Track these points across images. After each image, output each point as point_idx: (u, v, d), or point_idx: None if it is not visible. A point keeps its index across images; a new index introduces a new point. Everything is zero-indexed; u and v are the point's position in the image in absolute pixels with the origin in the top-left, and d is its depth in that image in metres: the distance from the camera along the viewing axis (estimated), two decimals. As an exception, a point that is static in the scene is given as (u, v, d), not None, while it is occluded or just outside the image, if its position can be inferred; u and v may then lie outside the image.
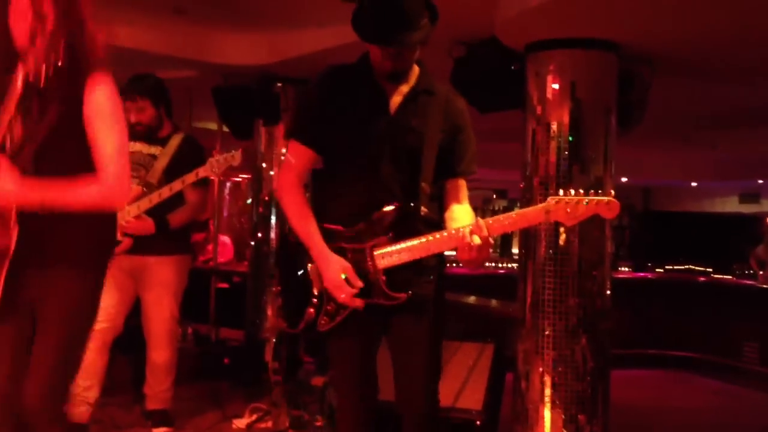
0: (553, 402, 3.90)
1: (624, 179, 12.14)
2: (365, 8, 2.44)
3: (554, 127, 4.06)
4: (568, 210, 2.28)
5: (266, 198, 6.32)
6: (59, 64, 2.23)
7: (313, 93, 2.60)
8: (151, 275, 3.98)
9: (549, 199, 2.30)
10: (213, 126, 7.72)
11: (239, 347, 6.15)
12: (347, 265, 2.46)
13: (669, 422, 5.64)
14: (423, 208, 2.46)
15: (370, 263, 2.46)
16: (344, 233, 2.49)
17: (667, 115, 6.68)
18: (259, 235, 6.36)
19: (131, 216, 3.82)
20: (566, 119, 4.04)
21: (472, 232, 2.33)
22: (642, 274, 9.00)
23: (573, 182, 3.93)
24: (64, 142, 2.28)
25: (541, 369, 3.96)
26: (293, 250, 2.59)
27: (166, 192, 3.82)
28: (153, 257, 3.96)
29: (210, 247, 7.94)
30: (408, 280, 2.47)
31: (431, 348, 2.56)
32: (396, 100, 2.52)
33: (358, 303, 2.46)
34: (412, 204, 2.46)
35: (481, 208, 13.59)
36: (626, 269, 9.32)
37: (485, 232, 2.33)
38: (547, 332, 3.95)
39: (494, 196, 14.12)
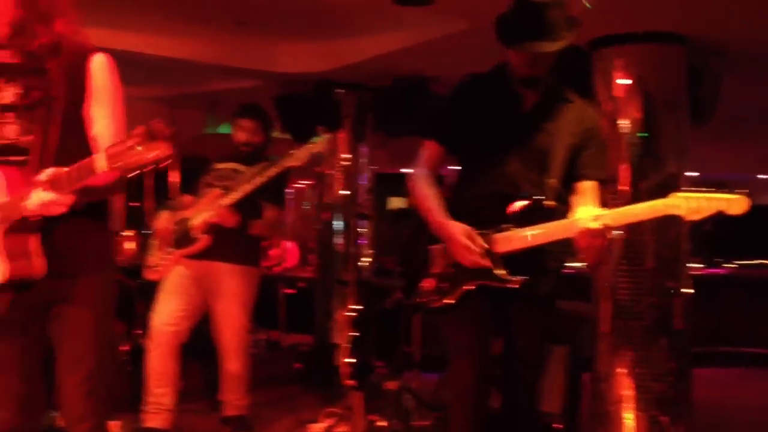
0: (634, 404, 3.84)
1: (696, 173, 11.88)
2: (511, 15, 2.61)
3: (624, 123, 3.99)
4: (694, 205, 2.27)
5: (329, 203, 6.38)
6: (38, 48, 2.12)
7: (450, 97, 2.82)
8: (219, 284, 3.99)
9: (674, 193, 2.32)
10: (274, 134, 7.81)
11: (310, 352, 6.21)
12: (467, 228, 2.57)
13: (752, 420, 5.48)
14: (549, 201, 2.57)
15: (490, 246, 2.56)
16: (471, 223, 2.60)
17: (740, 107, 6.51)
18: (324, 240, 6.42)
19: (212, 213, 3.80)
20: (636, 115, 3.97)
21: (592, 219, 2.39)
22: (715, 270, 8.76)
23: (647, 179, 3.85)
24: (71, 133, 2.20)
25: (620, 370, 3.89)
26: (417, 230, 2.80)
27: (253, 180, 3.77)
28: (221, 264, 3.96)
29: (273, 252, 8.03)
30: (527, 272, 2.54)
31: (536, 345, 2.68)
32: (530, 102, 2.67)
33: (486, 262, 2.54)
34: (538, 197, 2.56)
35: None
36: (698, 265, 9.08)
37: (606, 221, 2.38)
38: (624, 333, 3.88)
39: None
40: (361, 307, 4.94)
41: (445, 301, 2.63)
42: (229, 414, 4.18)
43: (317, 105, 6.20)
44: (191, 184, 4.20)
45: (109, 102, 2.23)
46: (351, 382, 4.66)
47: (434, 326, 2.82)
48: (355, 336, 4.85)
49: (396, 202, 10.68)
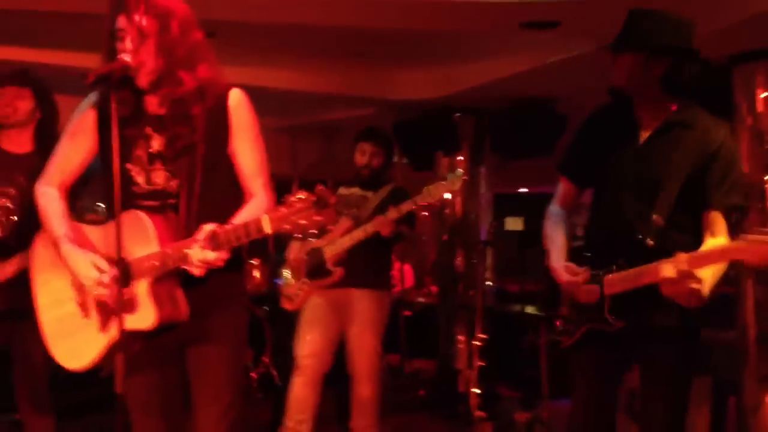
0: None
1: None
2: None
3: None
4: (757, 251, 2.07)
5: (449, 225, 6.36)
6: (183, 94, 2.17)
7: (579, 129, 2.75)
8: (353, 309, 4.04)
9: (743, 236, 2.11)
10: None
11: (433, 378, 6.16)
12: (570, 271, 2.52)
13: None
14: (649, 240, 2.39)
15: (602, 287, 2.46)
16: (589, 259, 2.54)
17: None
18: (444, 262, 6.38)
19: (344, 247, 3.89)
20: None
21: (670, 265, 2.22)
22: None
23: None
24: (215, 175, 2.25)
25: (769, 402, 3.66)
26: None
27: (383, 221, 3.80)
28: (354, 290, 4.01)
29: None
30: (636, 308, 2.41)
31: (671, 379, 2.49)
32: (647, 131, 2.51)
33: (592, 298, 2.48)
34: (641, 236, 2.42)
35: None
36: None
37: (684, 266, 2.19)
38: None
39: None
40: (487, 336, 4.87)
41: (569, 342, 2.58)
42: None
43: (435, 130, 6.22)
44: None
45: (250, 136, 2.27)
46: (481, 413, 4.59)
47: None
48: (483, 365, 4.78)
49: (513, 223, 10.54)
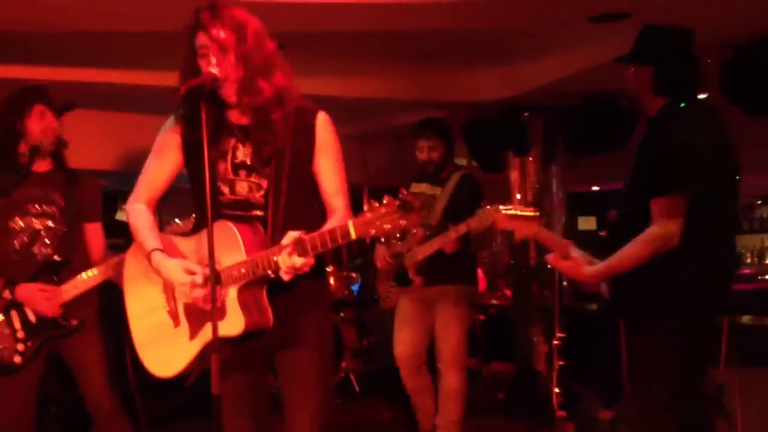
0: None
1: None
2: None
3: None
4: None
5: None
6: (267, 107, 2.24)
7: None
8: (441, 303, 4.18)
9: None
10: (462, 161, 7.86)
11: (512, 380, 6.11)
12: None
13: None
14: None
15: None
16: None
17: None
18: (519, 264, 6.33)
19: (418, 258, 4.06)
20: None
21: None
22: None
23: None
24: (298, 187, 2.31)
25: None
26: None
27: (444, 241, 3.96)
28: (440, 287, 4.16)
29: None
30: None
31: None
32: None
33: None
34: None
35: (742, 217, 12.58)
36: None
37: None
38: None
39: (758, 203, 12.95)
40: (565, 334, 4.80)
41: None
42: None
43: (504, 130, 6.18)
44: None
45: (334, 156, 2.35)
46: (561, 413, 4.53)
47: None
48: (562, 364, 4.72)
49: (586, 223, 10.36)
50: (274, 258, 2.12)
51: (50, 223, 3.19)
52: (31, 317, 3.11)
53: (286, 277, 2.13)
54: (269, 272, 2.15)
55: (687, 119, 2.61)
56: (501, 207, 3.28)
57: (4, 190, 3.15)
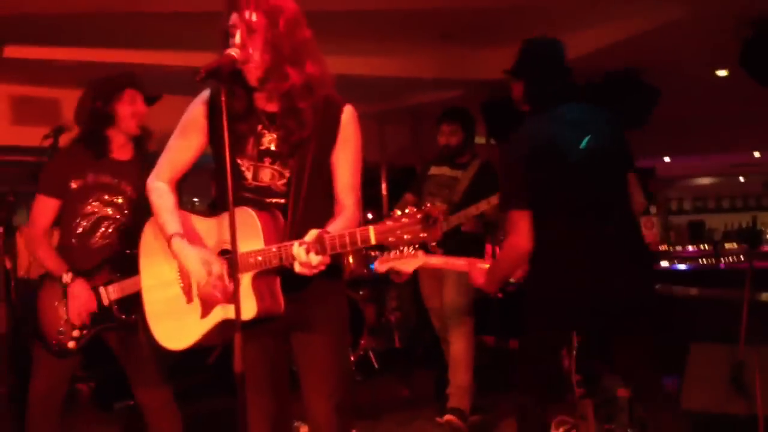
0: None
1: None
2: None
3: None
4: None
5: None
6: (295, 98, 2.23)
7: None
8: (448, 277, 4.36)
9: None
10: (481, 140, 7.84)
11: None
12: None
13: None
14: None
15: None
16: None
17: None
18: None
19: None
20: None
21: None
22: None
23: None
24: (319, 178, 2.31)
25: None
26: None
27: (471, 211, 4.20)
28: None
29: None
30: None
31: None
32: None
33: None
34: None
35: (761, 194, 12.49)
36: None
37: None
38: None
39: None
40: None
41: None
42: (452, 406, 4.33)
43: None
44: (399, 196, 4.74)
45: (354, 151, 2.35)
46: (580, 390, 4.54)
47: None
48: (581, 342, 4.73)
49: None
50: (293, 251, 2.12)
51: (114, 214, 3.16)
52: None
53: (305, 271, 2.13)
54: (285, 264, 2.16)
55: (520, 133, 2.80)
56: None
57: (81, 172, 3.12)
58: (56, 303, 3.11)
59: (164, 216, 2.36)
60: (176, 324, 2.38)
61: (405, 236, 1.96)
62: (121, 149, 3.19)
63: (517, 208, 2.71)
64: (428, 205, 1.99)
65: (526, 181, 2.68)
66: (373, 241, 2.01)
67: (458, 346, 4.39)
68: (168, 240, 2.32)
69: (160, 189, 2.41)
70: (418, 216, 1.95)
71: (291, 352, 2.47)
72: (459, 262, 3.08)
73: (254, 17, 2.20)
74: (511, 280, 7.97)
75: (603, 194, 2.75)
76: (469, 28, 5.24)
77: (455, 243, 4.17)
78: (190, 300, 2.35)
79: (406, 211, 1.97)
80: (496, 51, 5.80)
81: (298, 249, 2.10)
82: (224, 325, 2.26)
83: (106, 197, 3.14)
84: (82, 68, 4.89)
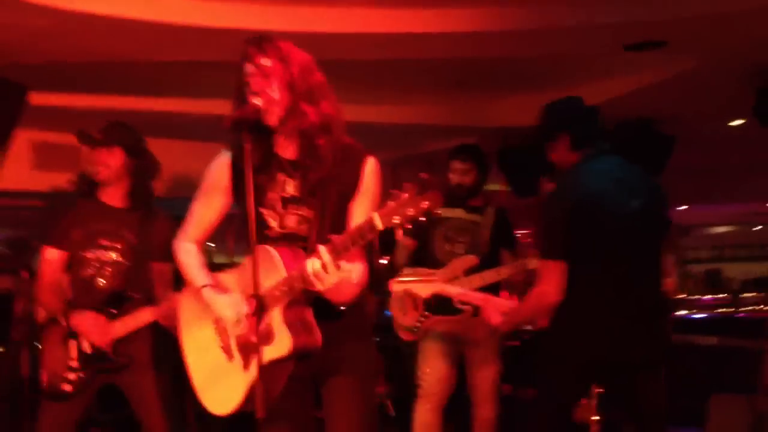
0: None
1: None
2: None
3: None
4: None
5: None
6: (316, 142, 2.25)
7: None
8: (474, 334, 4.08)
9: None
10: (495, 186, 7.86)
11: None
12: None
13: None
14: None
15: None
16: None
17: None
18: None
19: (475, 286, 3.84)
20: None
21: None
22: None
23: None
24: (339, 224, 2.28)
25: None
26: None
27: (491, 276, 3.91)
28: (477, 317, 3.89)
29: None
30: None
31: None
32: None
33: None
34: None
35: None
36: None
37: None
38: None
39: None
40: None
41: None
42: None
43: (539, 155, 6.16)
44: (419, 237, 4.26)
45: (372, 201, 2.32)
46: (600, 437, 4.46)
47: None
48: (601, 391, 4.66)
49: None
50: (308, 267, 2.10)
51: (117, 259, 3.23)
52: (87, 348, 3.15)
53: (323, 282, 2.10)
54: (307, 285, 2.14)
55: (566, 184, 2.84)
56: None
57: (82, 222, 3.22)
58: (56, 347, 3.16)
59: (193, 271, 2.41)
60: (222, 386, 2.36)
61: (408, 212, 1.94)
62: (112, 197, 3.27)
63: (553, 258, 2.70)
64: (421, 174, 1.96)
65: (566, 233, 2.69)
66: (380, 226, 1.98)
67: (490, 410, 4.12)
68: (198, 292, 2.35)
69: (187, 248, 2.46)
70: (415, 187, 1.93)
71: (317, 398, 2.43)
72: (476, 296, 3.03)
73: (268, 63, 2.24)
74: (528, 327, 7.94)
75: (640, 255, 2.75)
76: (484, 76, 5.29)
77: None
78: (230, 357, 2.34)
79: (404, 187, 1.94)
80: (510, 99, 5.88)
81: (311, 261, 2.09)
82: (268, 370, 2.21)
83: (107, 243, 3.22)
84: (102, 115, 4.97)
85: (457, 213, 4.17)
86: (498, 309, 2.92)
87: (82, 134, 3.23)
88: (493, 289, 4.01)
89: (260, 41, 2.27)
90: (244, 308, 2.23)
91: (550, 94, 5.59)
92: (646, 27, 3.96)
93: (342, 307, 2.29)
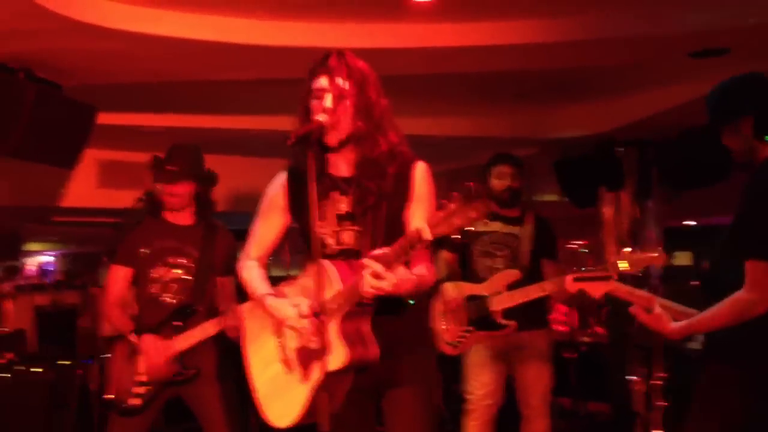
0: None
1: None
2: None
3: None
4: None
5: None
6: (373, 156, 2.28)
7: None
8: (526, 349, 4.04)
9: None
10: (552, 197, 7.80)
11: (608, 422, 5.97)
12: None
13: None
14: None
15: None
16: None
17: None
18: (612, 301, 6.19)
19: (516, 302, 3.81)
20: None
21: None
22: None
23: None
24: (394, 234, 2.25)
25: None
26: None
27: (534, 291, 3.79)
28: (526, 333, 3.98)
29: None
30: None
31: None
32: None
33: None
34: None
35: None
36: None
37: None
38: None
39: None
40: (666, 374, 4.66)
41: None
42: None
43: (598, 166, 6.12)
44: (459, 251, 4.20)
45: (426, 205, 2.34)
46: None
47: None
48: (666, 405, 4.58)
49: (682, 258, 10.06)
50: (363, 279, 2.10)
51: (182, 275, 3.33)
52: None
53: (373, 286, 2.08)
54: (362, 298, 2.15)
55: None
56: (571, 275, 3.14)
57: (148, 239, 3.34)
58: (123, 362, 3.26)
59: (255, 283, 2.46)
60: (283, 398, 2.38)
61: (455, 221, 1.94)
62: (178, 217, 3.39)
63: (763, 259, 2.33)
64: (469, 183, 1.94)
65: None
66: (428, 236, 1.99)
67: (543, 425, 4.09)
68: (261, 301, 2.39)
69: (249, 265, 2.52)
70: (462, 197, 1.92)
71: (379, 410, 2.44)
72: (643, 295, 2.76)
73: (346, 85, 2.26)
74: (585, 339, 7.72)
75: None
76: (543, 87, 5.27)
77: (527, 311, 3.82)
78: (290, 368, 2.36)
79: (452, 197, 1.95)
80: (569, 109, 5.84)
81: (365, 274, 2.09)
82: (327, 383, 2.23)
83: (173, 261, 3.32)
84: (167, 133, 5.10)
85: (495, 226, 4.09)
86: (662, 312, 2.63)
87: (157, 167, 3.35)
88: (539, 302, 3.88)
89: (341, 56, 2.29)
90: (306, 307, 2.26)
91: (609, 104, 5.61)
92: (711, 34, 3.91)
93: (410, 300, 2.30)
